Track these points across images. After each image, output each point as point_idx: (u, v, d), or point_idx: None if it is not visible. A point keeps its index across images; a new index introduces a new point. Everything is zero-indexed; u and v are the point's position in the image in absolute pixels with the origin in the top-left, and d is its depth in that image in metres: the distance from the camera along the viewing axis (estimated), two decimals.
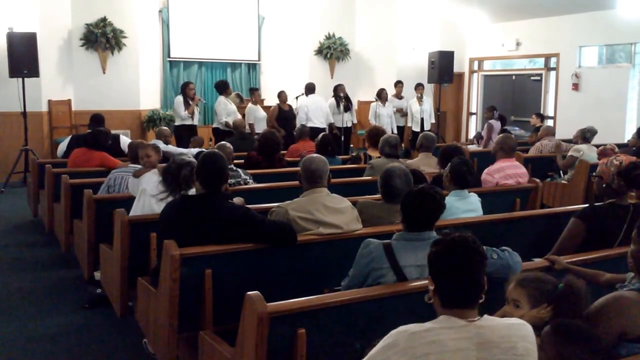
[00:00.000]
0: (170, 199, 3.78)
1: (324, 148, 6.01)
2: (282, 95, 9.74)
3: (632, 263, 2.39)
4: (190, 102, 8.59)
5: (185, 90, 8.70)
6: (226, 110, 8.96)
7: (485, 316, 1.78)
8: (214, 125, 9.21)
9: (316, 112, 9.31)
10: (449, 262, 1.80)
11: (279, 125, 9.16)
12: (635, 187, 3.41)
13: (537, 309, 2.20)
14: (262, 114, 9.60)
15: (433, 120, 10.86)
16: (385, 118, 10.02)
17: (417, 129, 10.45)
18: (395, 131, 9.78)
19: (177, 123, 8.76)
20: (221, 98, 9.14)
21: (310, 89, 9.56)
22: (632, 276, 2.43)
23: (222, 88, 9.25)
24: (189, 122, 8.63)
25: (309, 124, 8.86)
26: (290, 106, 9.83)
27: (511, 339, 1.74)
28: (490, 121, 9.64)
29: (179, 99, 8.72)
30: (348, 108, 9.52)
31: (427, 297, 1.87)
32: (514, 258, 2.67)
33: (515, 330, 1.77)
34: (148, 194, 3.96)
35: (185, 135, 8.41)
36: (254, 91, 10.13)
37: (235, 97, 9.62)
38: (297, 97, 9.82)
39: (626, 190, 3.36)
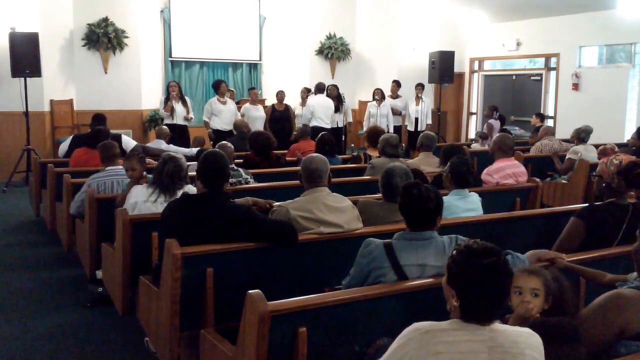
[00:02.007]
0: (161, 198, 3.82)
1: (321, 147, 6.02)
2: (278, 96, 9.75)
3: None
4: (169, 100, 8.60)
5: (167, 88, 8.80)
6: (211, 110, 8.99)
7: (497, 323, 1.79)
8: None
9: (322, 111, 9.31)
10: (480, 290, 1.75)
11: (272, 125, 9.17)
12: (634, 186, 3.42)
13: (546, 299, 2.24)
14: (256, 113, 9.52)
15: (429, 121, 10.72)
16: (380, 118, 9.95)
17: (411, 128, 10.45)
18: (392, 131, 9.75)
19: (164, 122, 8.77)
20: (213, 98, 9.18)
21: (319, 88, 9.58)
22: (635, 277, 2.43)
23: (215, 87, 9.28)
24: (169, 120, 8.62)
25: (314, 123, 8.88)
26: (286, 106, 9.82)
27: (521, 346, 1.76)
28: (490, 120, 9.68)
29: (162, 98, 8.81)
30: (337, 109, 9.52)
31: (448, 307, 1.84)
32: (516, 262, 2.61)
33: (525, 338, 1.79)
34: (141, 202, 3.95)
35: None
36: (250, 90, 10.18)
37: (227, 92, 9.63)
38: (307, 97, 9.83)
39: (626, 189, 3.37)
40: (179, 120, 8.69)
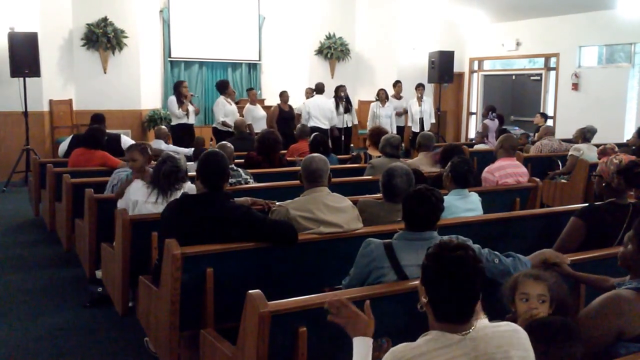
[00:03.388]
0: (160, 199, 3.81)
1: (315, 148, 5.99)
2: (283, 96, 9.76)
3: (630, 263, 2.37)
4: (184, 100, 8.51)
5: (179, 88, 8.63)
6: (224, 110, 8.98)
7: (478, 324, 1.75)
8: (213, 125, 9.26)
9: (318, 112, 9.35)
10: (445, 284, 1.72)
11: (279, 126, 9.18)
12: (634, 186, 3.42)
13: (551, 305, 2.21)
14: (261, 113, 9.62)
15: (433, 121, 10.90)
16: (384, 118, 10.02)
17: (416, 129, 10.48)
18: (395, 131, 9.78)
19: (173, 122, 8.68)
20: (220, 98, 9.18)
21: (319, 89, 9.62)
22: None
23: (222, 88, 9.27)
24: (184, 120, 8.54)
25: (311, 124, 8.90)
26: (290, 107, 9.86)
27: (505, 349, 1.72)
28: (485, 121, 9.73)
29: (172, 98, 8.64)
30: (348, 109, 9.61)
31: (419, 306, 1.82)
32: (518, 266, 2.60)
33: (507, 339, 1.74)
34: (141, 202, 3.95)
35: (181, 134, 8.32)
36: (249, 91, 10.17)
37: (232, 94, 9.65)
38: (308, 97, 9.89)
39: (626, 189, 3.37)
40: (191, 119, 8.66)
